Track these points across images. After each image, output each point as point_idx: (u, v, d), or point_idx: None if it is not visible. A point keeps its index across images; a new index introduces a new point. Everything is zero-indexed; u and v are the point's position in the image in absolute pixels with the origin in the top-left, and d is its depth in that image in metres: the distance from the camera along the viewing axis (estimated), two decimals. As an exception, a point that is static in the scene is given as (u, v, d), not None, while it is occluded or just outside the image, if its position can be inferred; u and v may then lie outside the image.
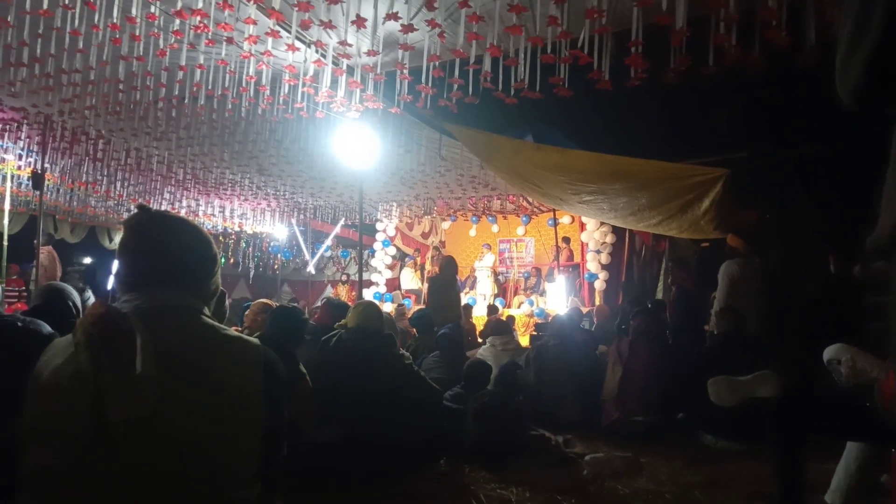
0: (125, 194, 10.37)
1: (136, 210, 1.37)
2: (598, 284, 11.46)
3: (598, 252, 11.52)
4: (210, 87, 4.92)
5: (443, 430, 3.93)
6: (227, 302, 3.59)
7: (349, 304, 4.86)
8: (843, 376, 2.94)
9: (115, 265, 1.37)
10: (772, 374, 3.99)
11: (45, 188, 8.54)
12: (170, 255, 1.34)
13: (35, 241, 7.63)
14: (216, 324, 1.35)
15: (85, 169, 8.77)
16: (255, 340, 1.37)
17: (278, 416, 1.37)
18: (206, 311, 1.38)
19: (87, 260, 16.00)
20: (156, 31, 4.36)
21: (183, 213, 11.83)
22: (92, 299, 3.16)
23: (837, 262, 4.89)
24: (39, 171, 7.17)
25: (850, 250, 4.73)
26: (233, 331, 1.37)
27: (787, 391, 3.64)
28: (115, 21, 4.10)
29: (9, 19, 4.08)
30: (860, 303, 3.98)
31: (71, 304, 2.91)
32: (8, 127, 7.17)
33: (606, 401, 4.75)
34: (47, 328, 2.41)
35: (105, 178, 9.37)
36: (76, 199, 11.18)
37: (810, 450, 2.34)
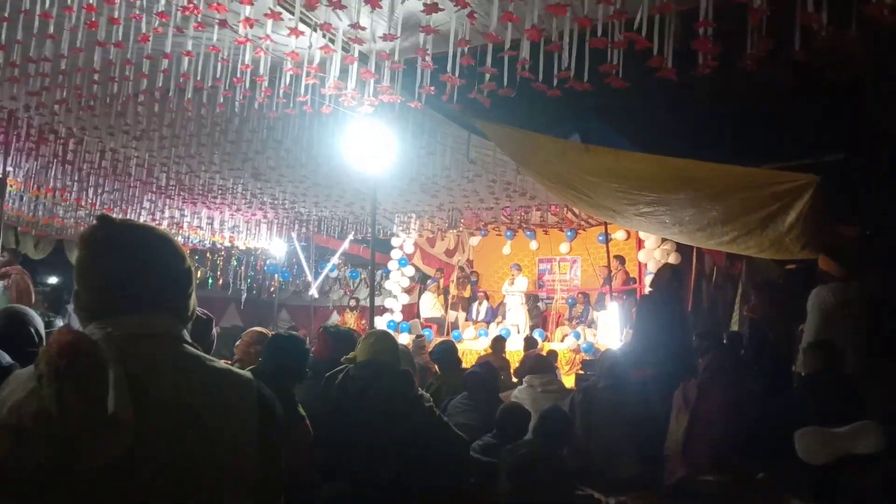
0: (98, 203, 10.57)
1: (95, 221, 1.38)
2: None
3: (660, 275, 11.39)
4: (199, 77, 5.02)
5: (469, 487, 3.90)
6: (215, 330, 3.62)
7: (356, 333, 4.87)
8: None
9: (74, 289, 1.38)
10: (874, 424, 3.89)
11: (7, 195, 8.76)
12: (141, 272, 1.36)
13: (-6, 257, 7.82)
14: (202, 354, 1.36)
15: (53, 173, 8.98)
16: (248, 374, 1.39)
17: (274, 464, 1.37)
18: (187, 336, 1.40)
19: (53, 280, 16.34)
20: (137, 13, 4.48)
21: (165, 224, 12.04)
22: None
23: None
24: (0, 176, 7.37)
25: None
26: (222, 363, 1.38)
27: (893, 447, 3.54)
28: (90, 2, 4.22)
29: (-30, 0, 4.23)
30: None
31: (33, 330, 2.97)
32: (-34, 125, 7.41)
33: (670, 456, 4.67)
34: (7, 358, 2.46)
35: (76, 183, 9.57)
36: (42, 209, 11.45)
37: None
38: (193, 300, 1.46)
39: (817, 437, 3.92)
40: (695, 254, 10.59)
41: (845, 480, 3.82)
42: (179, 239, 13.66)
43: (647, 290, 6.59)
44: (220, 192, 10.27)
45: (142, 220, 10.75)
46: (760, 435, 4.46)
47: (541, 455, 3.97)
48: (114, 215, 1.42)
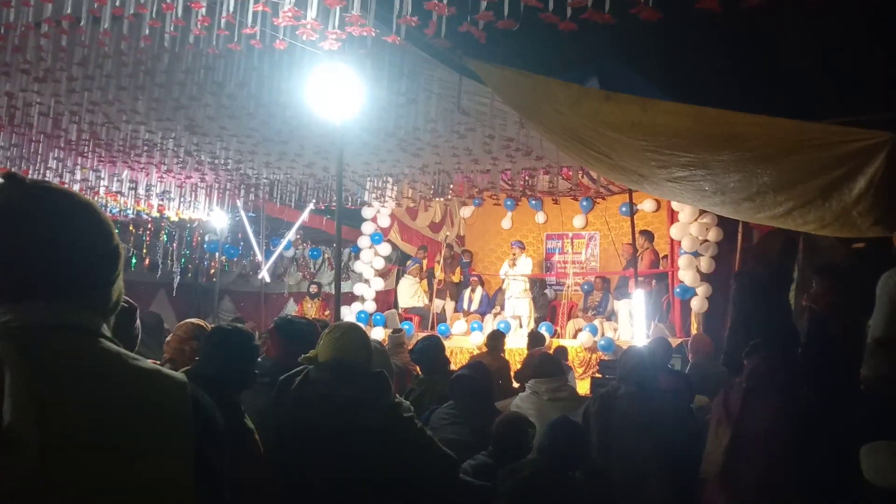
0: (-9, 161, 10.49)
1: None
2: (697, 304, 11.40)
3: (697, 255, 11.46)
4: (118, 3, 4.96)
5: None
6: (139, 322, 3.61)
7: (319, 325, 4.85)
8: None
9: None
10: (960, 441, 3.94)
11: None
12: (52, 248, 1.34)
13: None
14: (122, 351, 1.36)
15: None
16: (181, 376, 1.38)
17: (214, 489, 1.37)
18: (107, 331, 1.39)
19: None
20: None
21: (76, 189, 11.92)
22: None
23: None
24: None
25: None
26: (149, 363, 1.38)
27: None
28: None
29: None
30: None
31: None
32: None
33: (707, 480, 4.71)
34: None
35: (-39, 137, 9.49)
36: (-82, 169, 11.34)
37: None
38: (118, 286, 1.45)
39: (889, 454, 3.96)
40: (740, 230, 10.64)
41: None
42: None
43: (747, 266, 6.47)
44: (145, 148, 10.18)
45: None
46: (820, 454, 4.50)
47: (547, 478, 4.00)
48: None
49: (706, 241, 11.38)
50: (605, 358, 10.90)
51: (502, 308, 13.38)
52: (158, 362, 3.99)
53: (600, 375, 9.78)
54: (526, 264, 13.40)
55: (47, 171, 10.92)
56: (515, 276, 13.19)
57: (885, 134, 5.16)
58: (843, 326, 5.98)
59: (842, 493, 4.35)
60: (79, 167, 11.17)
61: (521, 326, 12.53)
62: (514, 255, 13.46)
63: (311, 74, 6.11)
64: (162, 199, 13.49)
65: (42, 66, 7.02)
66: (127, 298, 3.42)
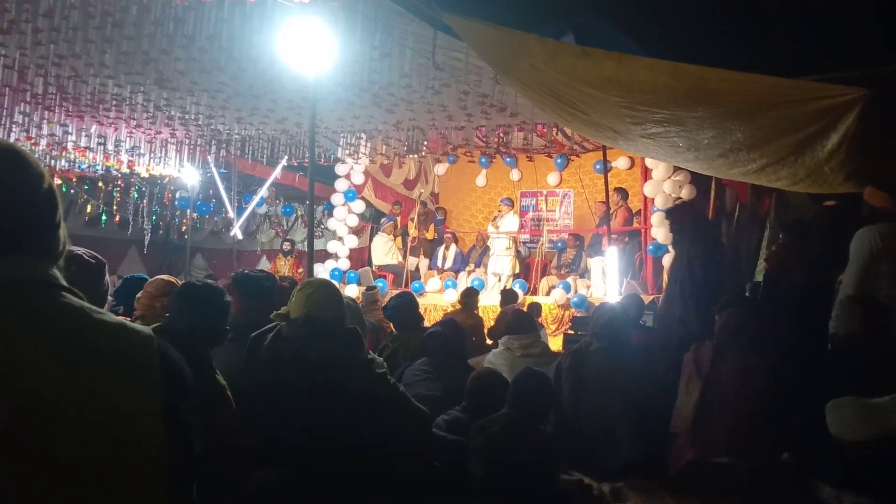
0: (-48, 117, 10.30)
1: None
2: (669, 260, 11.47)
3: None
4: (83, -50, 4.85)
5: (432, 471, 3.96)
6: (108, 279, 3.57)
7: (282, 279, 4.83)
8: None
9: None
10: (925, 396, 4.00)
11: None
12: None
13: None
14: (86, 305, 1.34)
15: None
16: (147, 329, 1.37)
17: (185, 446, 1.37)
18: (64, 282, 1.36)
19: None
20: None
21: (44, 144, 11.78)
22: None
23: None
24: None
25: None
26: (113, 317, 1.36)
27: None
28: None
29: None
30: None
31: None
32: None
33: (677, 434, 4.78)
34: None
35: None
36: None
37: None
38: (63, 232, 1.42)
39: (855, 410, 4.02)
40: (714, 187, 10.70)
41: (886, 462, 3.94)
42: (63, 163, 13.44)
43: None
44: (114, 102, 10.04)
45: (12, 137, 10.54)
46: (787, 409, 4.57)
47: (519, 432, 4.03)
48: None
49: (679, 198, 11.43)
50: (578, 315, 10.99)
51: (476, 265, 13.42)
52: (128, 318, 3.96)
53: (573, 332, 9.86)
54: (512, 222, 13.44)
55: (13, 126, 10.76)
56: (499, 235, 13.22)
57: (857, 90, 5.18)
58: (801, 284, 6.05)
59: (809, 447, 4.42)
60: (46, 122, 11.00)
61: (499, 282, 12.61)
62: (500, 212, 13.47)
63: (282, 28, 6.03)
64: (132, 155, 13.32)
65: (6, 18, 6.87)
66: (95, 255, 3.39)
